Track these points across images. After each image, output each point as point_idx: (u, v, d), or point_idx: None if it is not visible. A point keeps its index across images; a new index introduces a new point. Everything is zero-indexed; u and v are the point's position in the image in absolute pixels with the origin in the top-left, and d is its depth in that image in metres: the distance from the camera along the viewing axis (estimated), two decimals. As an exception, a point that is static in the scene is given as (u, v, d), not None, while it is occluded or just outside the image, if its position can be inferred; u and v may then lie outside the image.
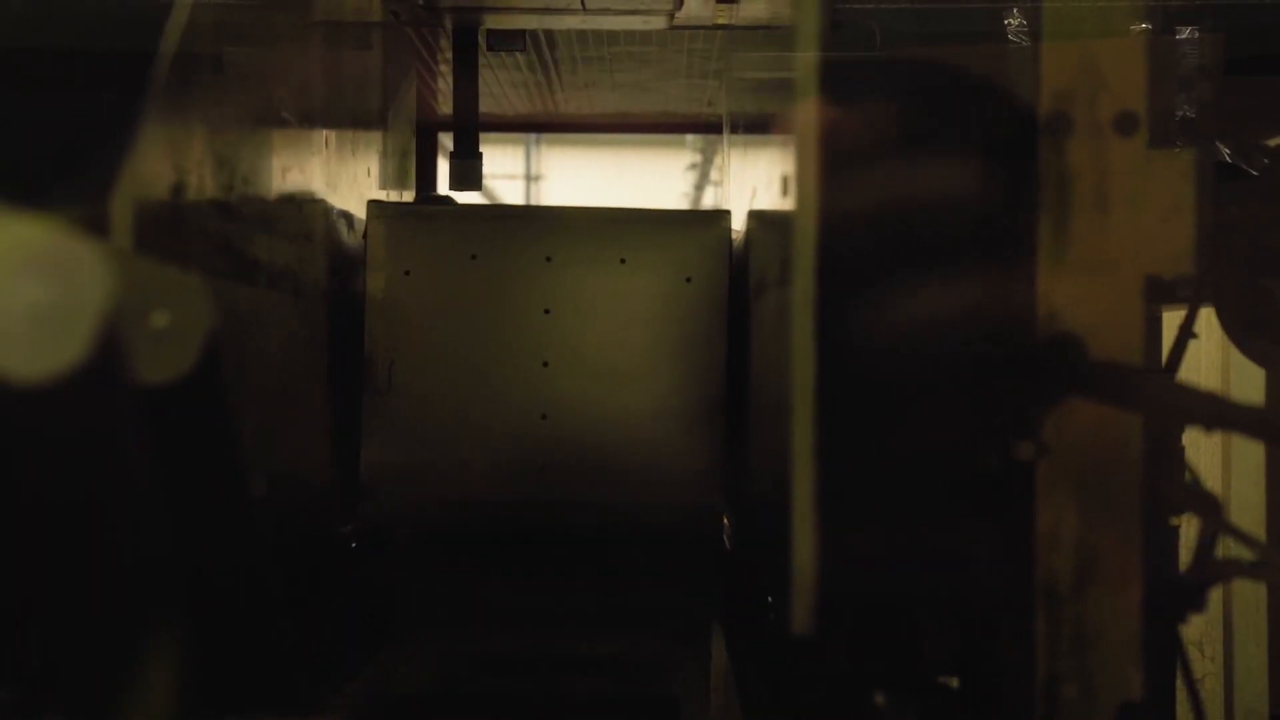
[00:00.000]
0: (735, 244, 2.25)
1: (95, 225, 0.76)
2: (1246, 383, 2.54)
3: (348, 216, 2.18)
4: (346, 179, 2.16)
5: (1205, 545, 1.48)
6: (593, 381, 2.20)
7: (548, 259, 2.22)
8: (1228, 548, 1.51)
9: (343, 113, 2.20)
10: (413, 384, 2.21)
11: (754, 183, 2.06)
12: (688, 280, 2.20)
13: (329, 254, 2.06)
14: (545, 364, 2.20)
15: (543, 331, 2.21)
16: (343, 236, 2.15)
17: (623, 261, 2.21)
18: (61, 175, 0.82)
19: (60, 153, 0.83)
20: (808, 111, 1.42)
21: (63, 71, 0.86)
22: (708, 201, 8.25)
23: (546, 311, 2.21)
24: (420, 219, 2.26)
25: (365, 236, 2.22)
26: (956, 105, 1.46)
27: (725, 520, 2.24)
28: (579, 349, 2.20)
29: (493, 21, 2.63)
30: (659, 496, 2.17)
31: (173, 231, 1.43)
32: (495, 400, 2.20)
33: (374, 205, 2.25)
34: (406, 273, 2.22)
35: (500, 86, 3.31)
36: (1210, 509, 1.43)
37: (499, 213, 2.44)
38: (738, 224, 2.28)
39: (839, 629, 1.50)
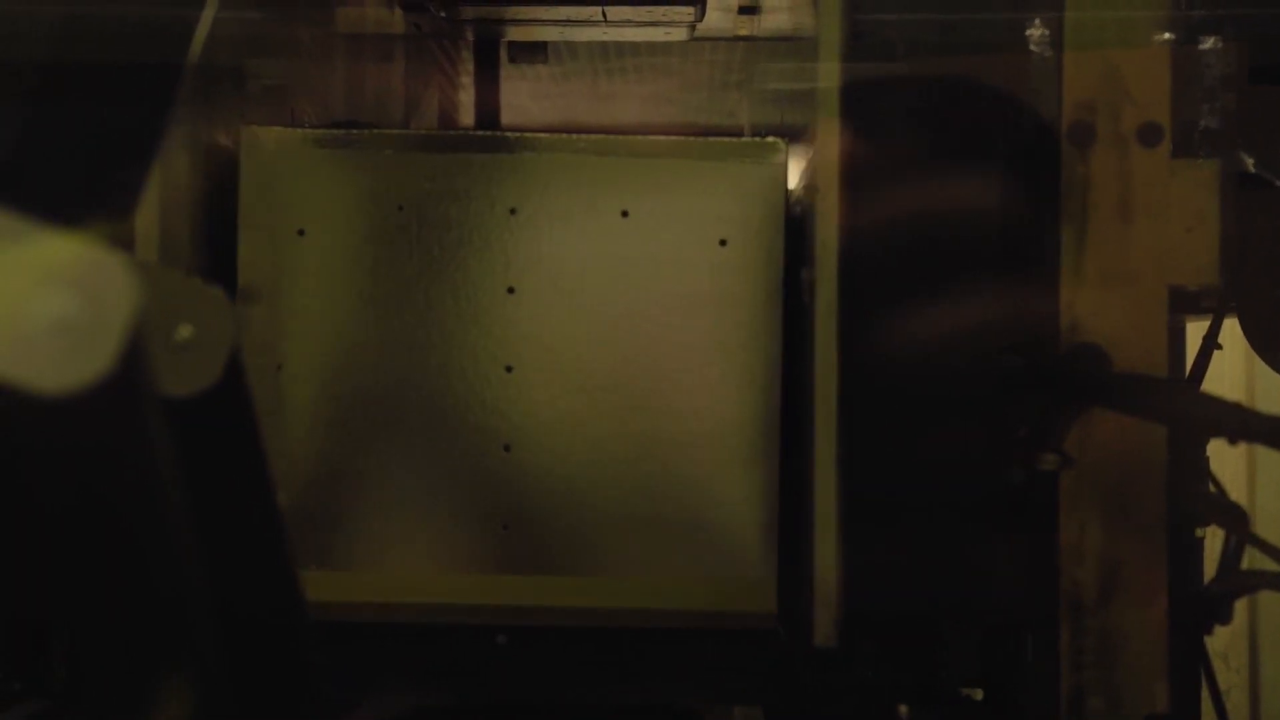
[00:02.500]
0: (794, 191, 1.60)
1: (121, 238, 0.77)
2: (1271, 394, 2.54)
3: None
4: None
5: (1230, 557, 1.48)
6: (578, 396, 1.53)
7: (512, 211, 1.53)
8: (1253, 559, 1.51)
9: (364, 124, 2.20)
10: (309, 401, 1.52)
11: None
12: (722, 243, 1.53)
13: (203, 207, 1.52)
14: (508, 369, 1.53)
15: (504, 321, 1.53)
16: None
17: (624, 215, 1.53)
18: (87, 188, 0.83)
19: (87, 165, 0.84)
20: (829, 122, 1.43)
21: (89, 85, 0.87)
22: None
23: (510, 291, 1.53)
24: (320, 150, 1.53)
25: (239, 179, 1.53)
26: (978, 116, 1.46)
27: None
28: (558, 347, 1.54)
29: (514, 34, 2.63)
30: (678, 572, 1.53)
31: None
32: (434, 424, 1.52)
33: (251, 133, 1.53)
34: (300, 232, 1.52)
35: (521, 98, 3.31)
36: (1235, 520, 1.43)
37: (439, 143, 1.57)
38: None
39: (863, 640, 1.50)
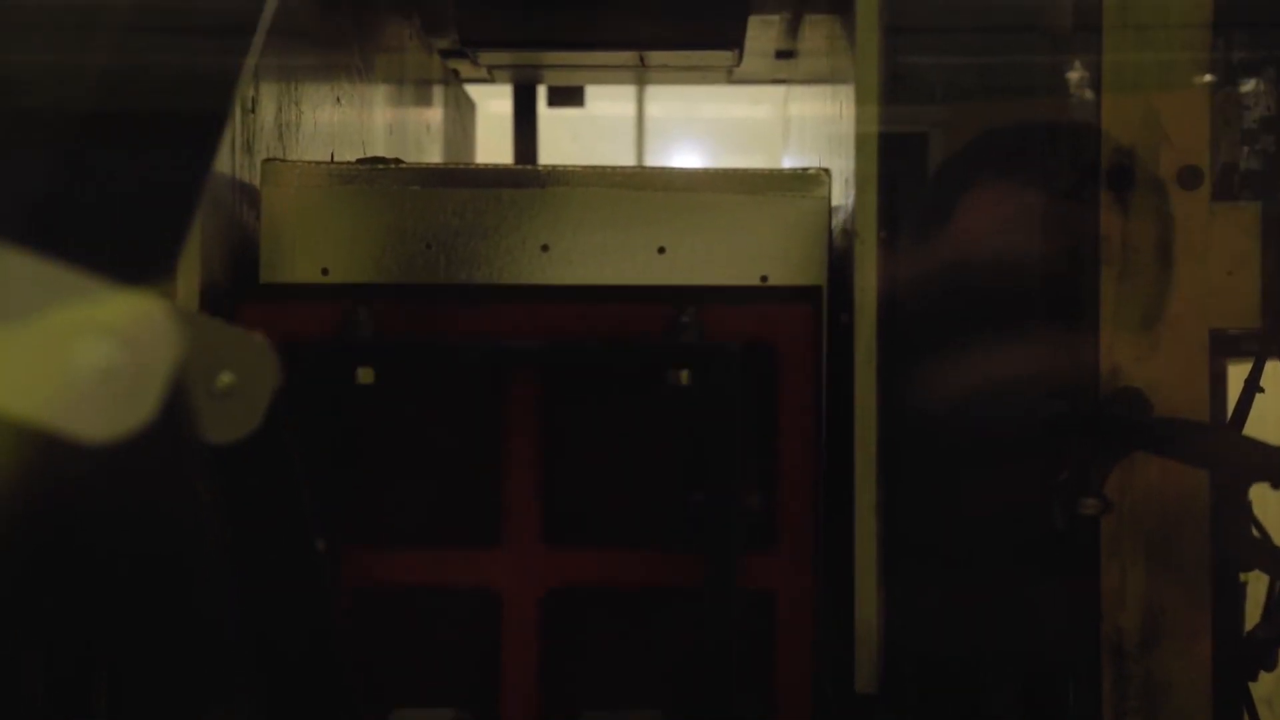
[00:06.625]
0: (839, 225, 1.53)
1: (162, 287, 0.78)
2: (1313, 436, 2.52)
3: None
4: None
5: (1275, 602, 1.47)
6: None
7: (544, 249, 1.46)
8: (1297, 605, 1.49)
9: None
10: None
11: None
12: (763, 280, 1.46)
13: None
14: None
15: None
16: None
17: (661, 252, 1.46)
18: (129, 238, 0.83)
19: (128, 215, 0.85)
20: (867, 166, 1.43)
21: (131, 133, 0.87)
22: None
23: None
24: (344, 185, 1.47)
25: (260, 216, 1.49)
26: (1017, 160, 1.46)
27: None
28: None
29: (552, 78, 2.65)
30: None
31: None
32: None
33: (272, 166, 1.48)
34: (325, 272, 1.46)
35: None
36: (1279, 565, 1.42)
37: (467, 177, 1.50)
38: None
39: (904, 685, 1.49)
